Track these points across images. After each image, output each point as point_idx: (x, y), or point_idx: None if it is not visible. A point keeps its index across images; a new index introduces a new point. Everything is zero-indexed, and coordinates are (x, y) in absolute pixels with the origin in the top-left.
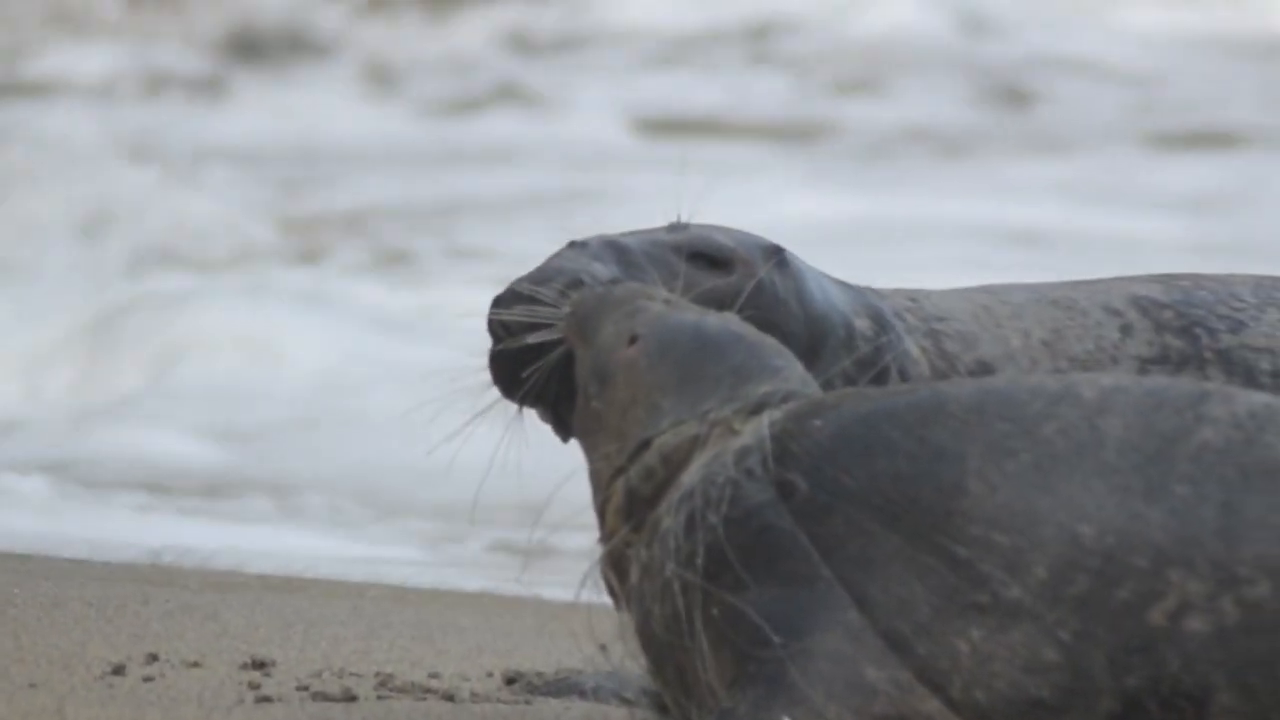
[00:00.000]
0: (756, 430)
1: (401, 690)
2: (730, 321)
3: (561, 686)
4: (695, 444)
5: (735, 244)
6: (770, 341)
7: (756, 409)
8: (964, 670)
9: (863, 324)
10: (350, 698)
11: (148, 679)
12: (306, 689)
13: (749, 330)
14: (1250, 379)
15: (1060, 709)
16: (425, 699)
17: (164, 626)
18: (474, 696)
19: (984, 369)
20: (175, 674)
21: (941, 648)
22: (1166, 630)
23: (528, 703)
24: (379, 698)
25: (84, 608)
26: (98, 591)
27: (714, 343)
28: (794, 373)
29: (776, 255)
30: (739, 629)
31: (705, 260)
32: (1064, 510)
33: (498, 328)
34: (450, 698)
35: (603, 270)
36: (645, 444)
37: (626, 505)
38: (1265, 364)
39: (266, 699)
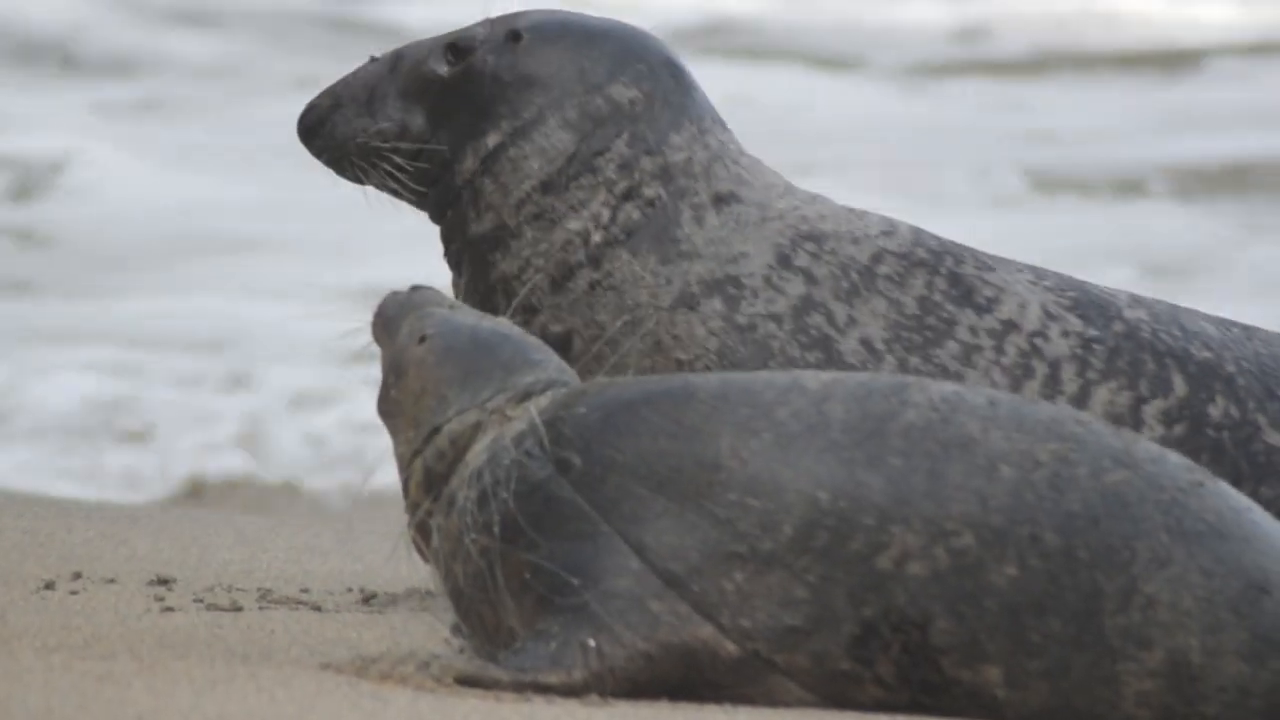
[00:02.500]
0: (528, 417)
1: (278, 602)
2: (500, 324)
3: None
4: (477, 429)
5: (486, 35)
6: (532, 340)
7: (524, 396)
8: (731, 604)
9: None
10: (237, 608)
11: (73, 593)
12: (201, 601)
13: (515, 330)
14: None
15: (810, 632)
16: (298, 610)
17: (85, 550)
18: (337, 608)
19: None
20: (95, 589)
21: (711, 585)
22: (893, 573)
23: (381, 613)
24: (260, 609)
25: (19, 535)
26: (30, 523)
27: (486, 342)
28: (552, 364)
29: (512, 37)
30: (540, 579)
31: (454, 50)
32: (804, 479)
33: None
34: (318, 609)
35: (375, 69)
36: (436, 430)
37: (425, 481)
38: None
39: (170, 609)
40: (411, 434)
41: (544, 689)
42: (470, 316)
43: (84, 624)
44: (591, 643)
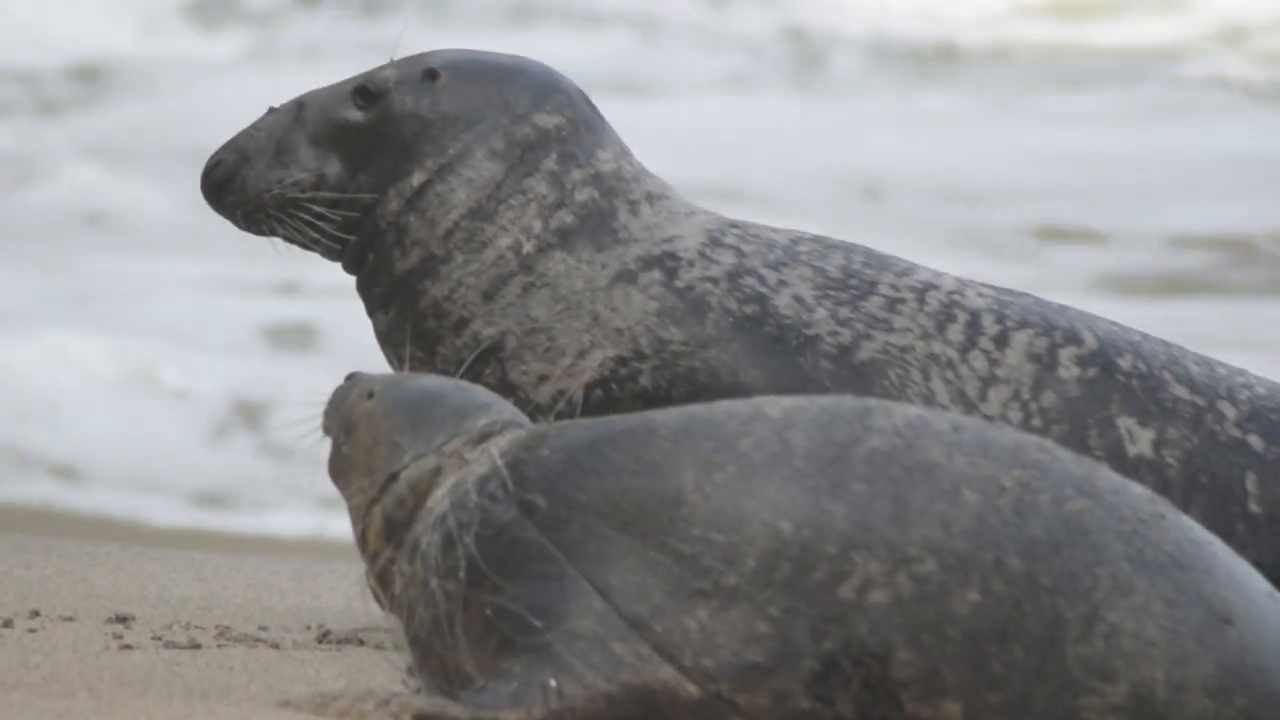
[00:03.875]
0: (489, 461)
1: (236, 640)
2: (444, 379)
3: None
4: (436, 473)
5: (399, 76)
6: (479, 388)
7: (480, 439)
8: (694, 643)
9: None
10: (195, 646)
11: (32, 630)
12: (160, 639)
13: (461, 382)
14: None
15: (772, 670)
16: (256, 647)
17: (43, 588)
18: (295, 645)
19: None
20: (54, 626)
21: (674, 625)
22: (855, 602)
23: (339, 651)
24: (219, 646)
25: None
26: None
27: (434, 390)
28: (504, 407)
29: (429, 75)
30: (503, 620)
31: (364, 94)
32: (766, 510)
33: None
34: (276, 646)
35: (276, 119)
36: (393, 476)
37: (385, 529)
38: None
39: (128, 647)
40: (366, 483)
41: None
42: (414, 375)
43: (42, 662)
44: (552, 683)
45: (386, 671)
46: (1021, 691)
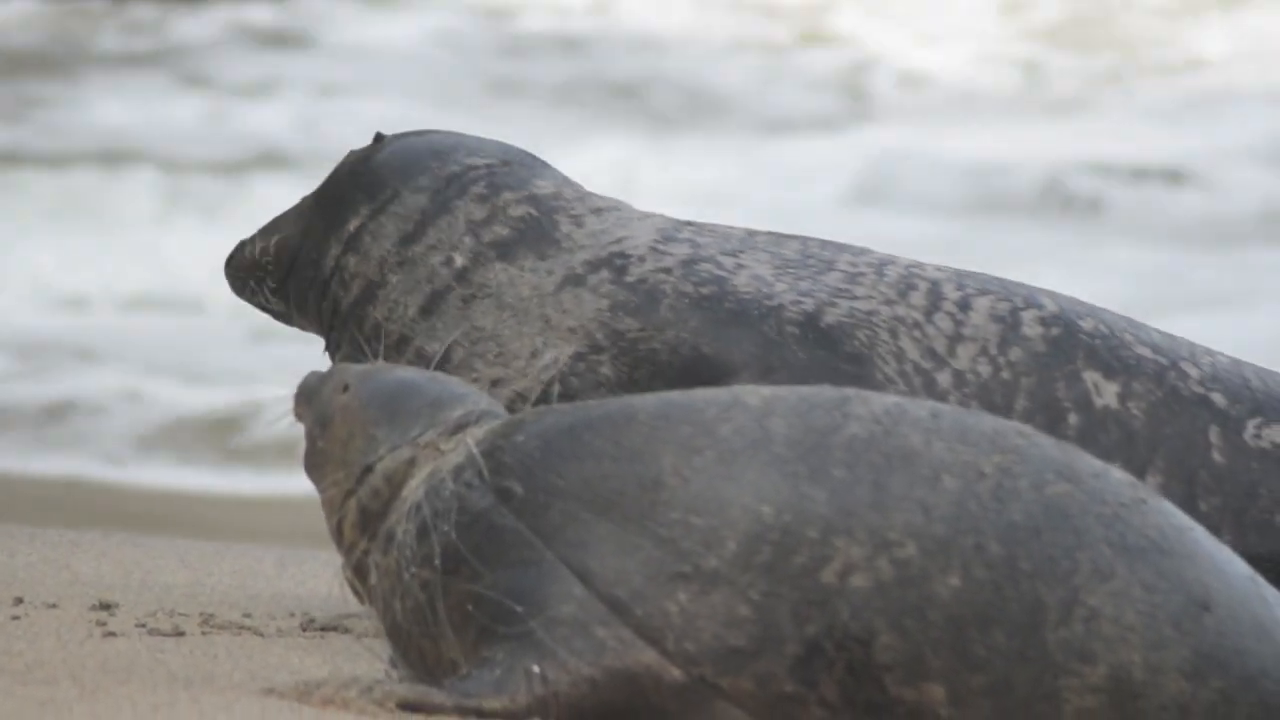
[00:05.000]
0: (465, 450)
1: (220, 627)
2: (420, 371)
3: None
4: (411, 464)
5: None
6: (455, 379)
7: (456, 429)
8: (675, 627)
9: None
10: (179, 633)
11: (15, 618)
12: (144, 626)
13: (436, 373)
14: None
15: (754, 654)
16: (240, 634)
17: (27, 574)
18: (280, 633)
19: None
20: (37, 614)
21: (655, 609)
22: (837, 587)
23: (323, 638)
24: (203, 634)
25: None
26: None
27: (410, 382)
28: (480, 398)
29: (375, 138)
30: (483, 609)
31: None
32: (747, 495)
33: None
34: (260, 634)
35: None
36: (369, 469)
37: (361, 521)
38: None
39: (112, 634)
40: (341, 475)
41: (487, 714)
42: (389, 367)
43: (26, 649)
44: (535, 668)
45: (370, 659)
46: (1003, 674)
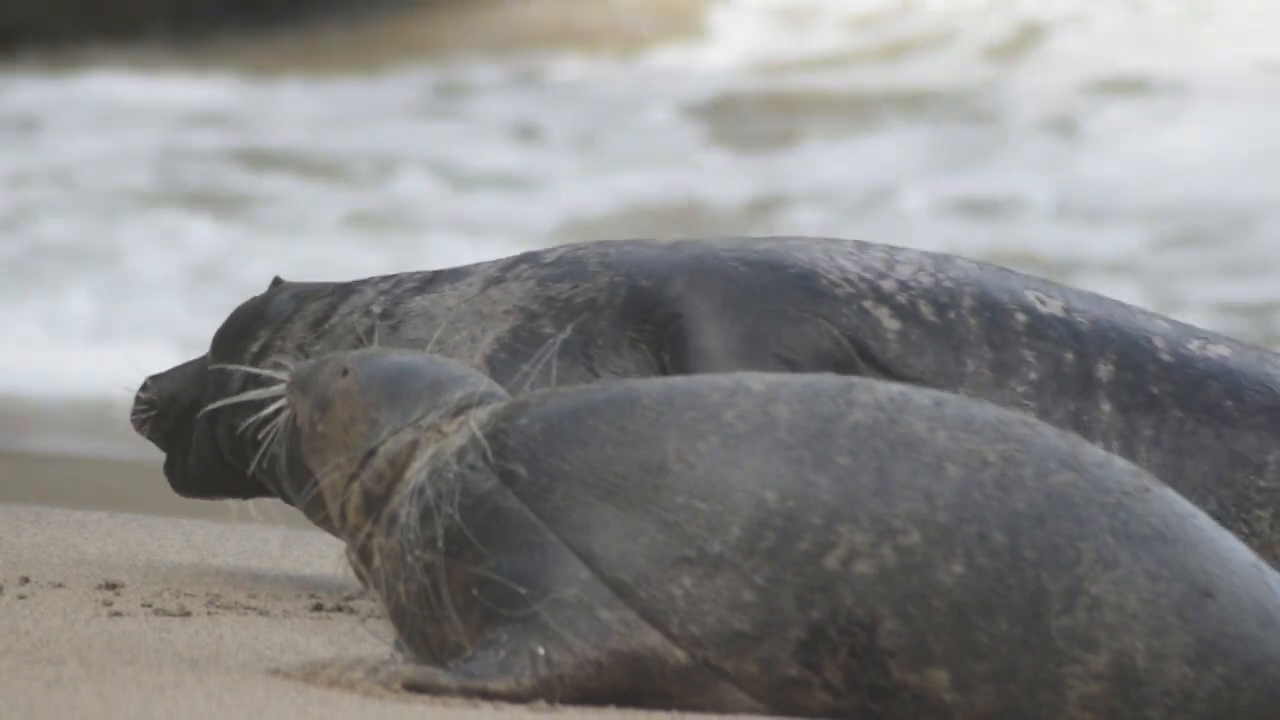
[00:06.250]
0: (468, 432)
1: (226, 608)
2: (418, 354)
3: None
4: (414, 447)
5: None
6: (454, 361)
7: (458, 411)
8: (679, 610)
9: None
10: (185, 613)
11: (21, 597)
12: (150, 606)
13: (435, 356)
14: None
15: (759, 638)
16: (246, 615)
17: (33, 554)
18: (285, 614)
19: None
20: (43, 594)
21: (659, 592)
22: (840, 573)
23: (328, 619)
24: (208, 614)
25: None
26: None
27: (409, 366)
28: (480, 380)
29: (274, 282)
30: (487, 591)
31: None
32: (751, 480)
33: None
34: (266, 614)
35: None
36: (371, 452)
37: (364, 504)
38: None
39: (118, 614)
40: (343, 460)
41: (492, 696)
42: (386, 350)
43: (32, 629)
44: (540, 650)
45: (375, 640)
46: (1007, 661)
